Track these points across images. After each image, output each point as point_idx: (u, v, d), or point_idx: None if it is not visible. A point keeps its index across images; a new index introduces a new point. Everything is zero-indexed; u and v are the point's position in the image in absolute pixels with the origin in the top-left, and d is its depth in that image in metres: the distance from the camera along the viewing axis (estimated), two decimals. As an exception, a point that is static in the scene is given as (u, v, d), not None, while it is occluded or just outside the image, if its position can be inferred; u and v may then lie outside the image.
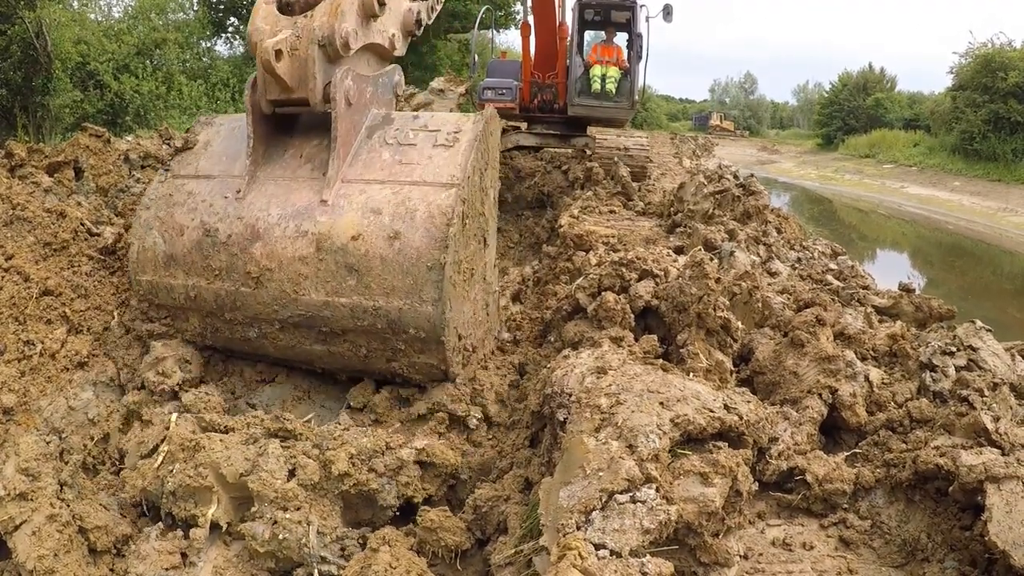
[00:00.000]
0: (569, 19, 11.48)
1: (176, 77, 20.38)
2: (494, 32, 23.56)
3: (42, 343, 3.45)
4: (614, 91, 11.58)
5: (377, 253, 3.31)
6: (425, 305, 3.26)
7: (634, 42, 11.50)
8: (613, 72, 11.70)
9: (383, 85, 4.02)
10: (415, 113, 3.93)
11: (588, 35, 13.44)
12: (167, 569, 2.67)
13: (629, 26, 11.81)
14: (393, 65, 4.20)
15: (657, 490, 2.17)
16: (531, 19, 11.00)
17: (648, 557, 2.00)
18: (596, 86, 11.62)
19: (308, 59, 3.47)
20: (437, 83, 11.68)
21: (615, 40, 12.28)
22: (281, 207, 3.53)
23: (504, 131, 11.29)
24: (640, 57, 11.43)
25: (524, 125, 12.15)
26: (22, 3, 17.63)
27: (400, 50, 4.24)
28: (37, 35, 17.63)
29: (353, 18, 3.63)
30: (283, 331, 3.60)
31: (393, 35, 4.11)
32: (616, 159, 10.50)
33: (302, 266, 3.41)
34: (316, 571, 2.63)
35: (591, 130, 12.12)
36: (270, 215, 3.51)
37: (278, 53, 3.39)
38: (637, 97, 11.64)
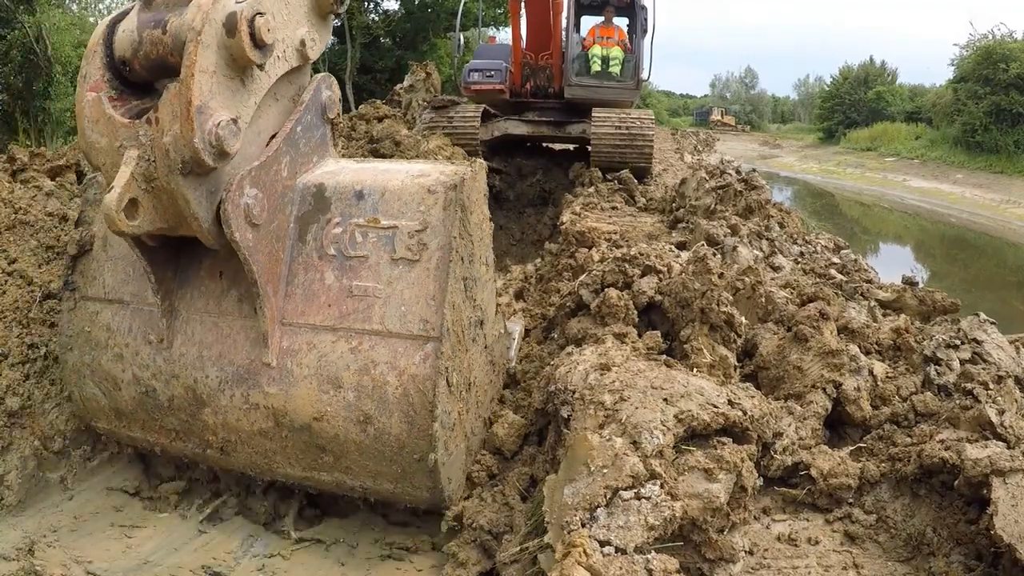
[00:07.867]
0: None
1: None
2: (496, 30, 23.42)
3: (46, 346, 3.45)
4: (619, 74, 10.45)
5: (350, 438, 2.76)
6: (420, 491, 2.83)
7: (638, 14, 10.53)
8: (616, 53, 10.50)
9: (304, 132, 2.91)
10: (358, 187, 2.88)
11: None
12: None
13: (632, 6, 10.78)
14: (314, 78, 2.97)
15: (661, 486, 2.17)
16: None
17: (653, 553, 2.00)
18: (596, 68, 10.38)
19: (177, 195, 2.43)
20: (408, 80, 10.51)
21: (614, 21, 11.05)
22: (218, 366, 2.88)
23: (492, 116, 10.34)
24: (645, 31, 10.40)
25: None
26: (21, 8, 17.68)
27: (318, 47, 2.88)
28: (37, 39, 17.69)
29: (219, 91, 2.40)
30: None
31: (303, 40, 2.77)
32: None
33: (266, 441, 2.89)
34: None
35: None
36: (208, 377, 2.89)
37: (131, 207, 2.45)
38: (644, 76, 10.50)
